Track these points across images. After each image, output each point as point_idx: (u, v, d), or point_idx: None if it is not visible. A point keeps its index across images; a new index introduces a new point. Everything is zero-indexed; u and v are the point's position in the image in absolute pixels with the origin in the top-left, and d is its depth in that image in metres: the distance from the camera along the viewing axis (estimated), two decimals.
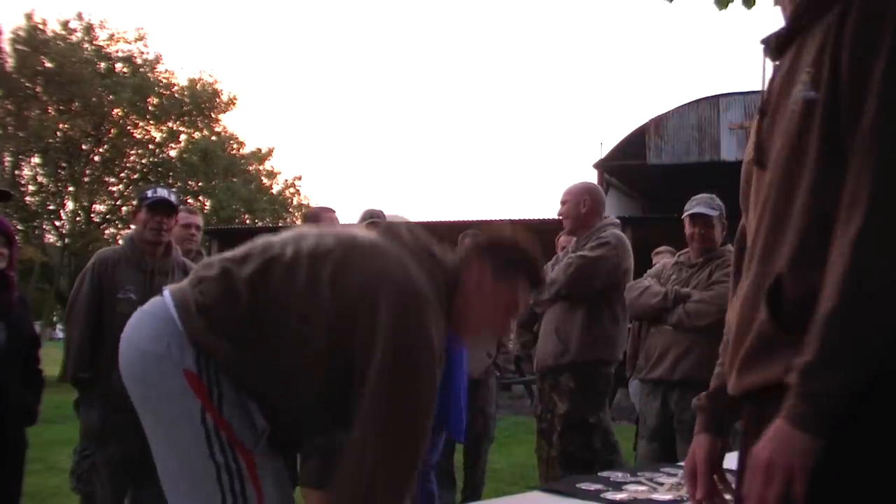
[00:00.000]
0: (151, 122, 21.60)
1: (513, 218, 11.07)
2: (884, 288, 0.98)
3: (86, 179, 20.77)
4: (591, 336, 3.70)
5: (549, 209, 26.30)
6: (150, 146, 21.98)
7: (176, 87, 21.69)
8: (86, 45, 20.61)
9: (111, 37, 21.15)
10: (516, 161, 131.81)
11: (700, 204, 3.77)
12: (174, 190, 3.54)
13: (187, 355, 1.62)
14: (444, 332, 1.70)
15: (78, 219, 20.61)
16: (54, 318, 25.54)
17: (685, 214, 3.82)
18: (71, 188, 20.73)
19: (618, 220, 4.05)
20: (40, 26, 19.78)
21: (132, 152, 21.74)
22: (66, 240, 19.97)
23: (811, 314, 1.01)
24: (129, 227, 21.32)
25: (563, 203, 3.95)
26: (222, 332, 1.64)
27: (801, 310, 1.04)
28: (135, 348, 1.68)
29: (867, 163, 1.00)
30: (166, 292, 1.73)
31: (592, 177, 18.92)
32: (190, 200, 21.23)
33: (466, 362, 3.62)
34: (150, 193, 3.48)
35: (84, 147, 20.52)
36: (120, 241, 19.65)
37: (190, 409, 1.61)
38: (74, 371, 3.35)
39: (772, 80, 1.22)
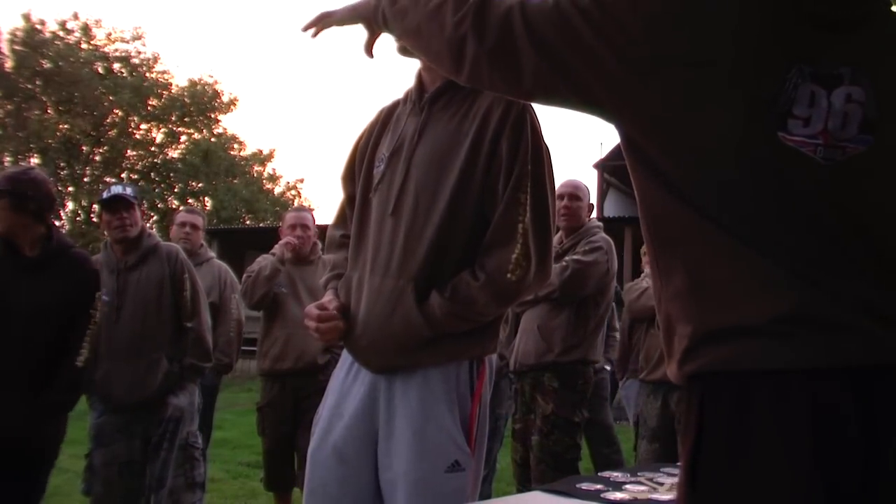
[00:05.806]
0: (151, 122, 21.61)
1: None
2: None
3: (86, 179, 20.77)
4: (575, 338, 3.64)
5: None
6: (151, 147, 21.99)
7: (175, 88, 21.70)
8: (83, 46, 20.60)
9: (108, 36, 21.16)
10: None
11: None
12: (130, 185, 3.49)
13: None
14: None
15: (78, 219, 20.59)
16: None
17: None
18: (71, 188, 20.73)
19: (600, 223, 3.91)
20: (38, 27, 19.78)
21: (132, 153, 21.73)
22: None
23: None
24: None
25: (574, 198, 3.77)
26: None
27: None
28: None
29: None
30: None
31: (592, 177, 18.91)
32: (191, 200, 21.23)
33: None
34: (105, 193, 3.40)
35: (84, 147, 20.52)
36: None
37: None
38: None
39: None
